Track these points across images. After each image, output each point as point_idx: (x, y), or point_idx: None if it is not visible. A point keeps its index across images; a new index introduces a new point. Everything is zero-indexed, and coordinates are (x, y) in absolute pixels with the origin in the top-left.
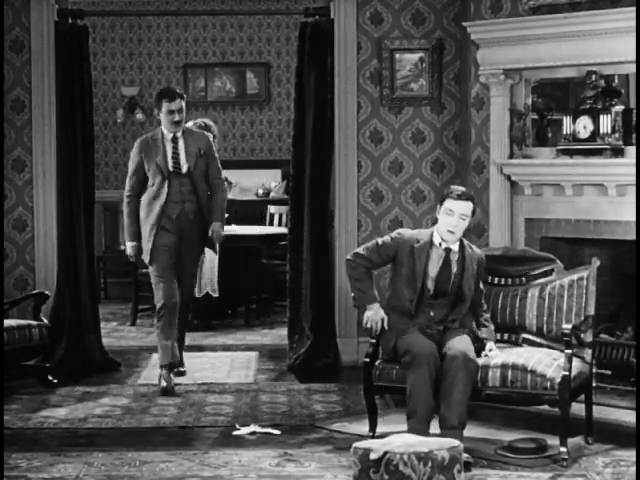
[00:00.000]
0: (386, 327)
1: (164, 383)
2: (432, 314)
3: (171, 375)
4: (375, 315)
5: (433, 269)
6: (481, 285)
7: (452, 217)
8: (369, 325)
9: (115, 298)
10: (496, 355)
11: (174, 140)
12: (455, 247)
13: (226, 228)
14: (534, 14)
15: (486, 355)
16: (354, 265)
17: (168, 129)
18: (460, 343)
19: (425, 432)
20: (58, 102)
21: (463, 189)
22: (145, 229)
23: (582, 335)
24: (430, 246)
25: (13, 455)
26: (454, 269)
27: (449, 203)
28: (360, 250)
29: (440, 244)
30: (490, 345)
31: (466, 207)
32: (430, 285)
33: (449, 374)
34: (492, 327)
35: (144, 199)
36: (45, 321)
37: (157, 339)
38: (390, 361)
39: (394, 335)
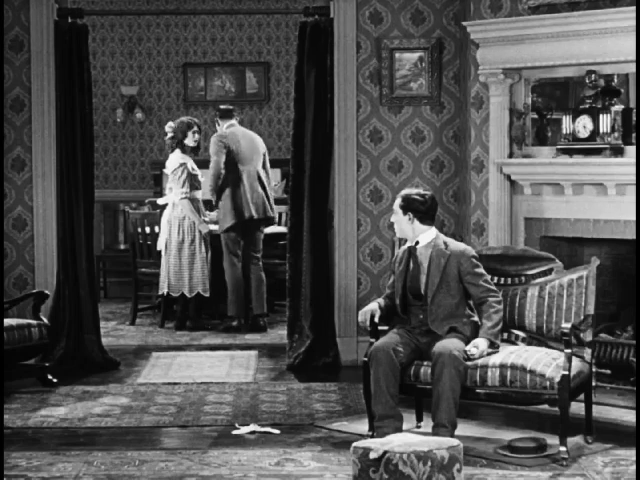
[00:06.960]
0: (376, 320)
1: None
2: (421, 317)
3: None
4: (367, 307)
5: (405, 268)
6: (477, 280)
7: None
8: (360, 318)
9: (114, 297)
10: (477, 353)
11: None
12: (420, 245)
13: None
14: (534, 13)
15: (469, 351)
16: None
17: None
18: (447, 342)
19: (391, 429)
20: (58, 101)
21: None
22: None
23: (582, 334)
24: (408, 249)
25: (13, 454)
26: (424, 267)
27: None
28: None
29: (407, 244)
30: (476, 342)
31: (395, 202)
32: (408, 284)
33: (435, 372)
34: (493, 320)
35: None
36: (45, 320)
37: None
38: None
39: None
